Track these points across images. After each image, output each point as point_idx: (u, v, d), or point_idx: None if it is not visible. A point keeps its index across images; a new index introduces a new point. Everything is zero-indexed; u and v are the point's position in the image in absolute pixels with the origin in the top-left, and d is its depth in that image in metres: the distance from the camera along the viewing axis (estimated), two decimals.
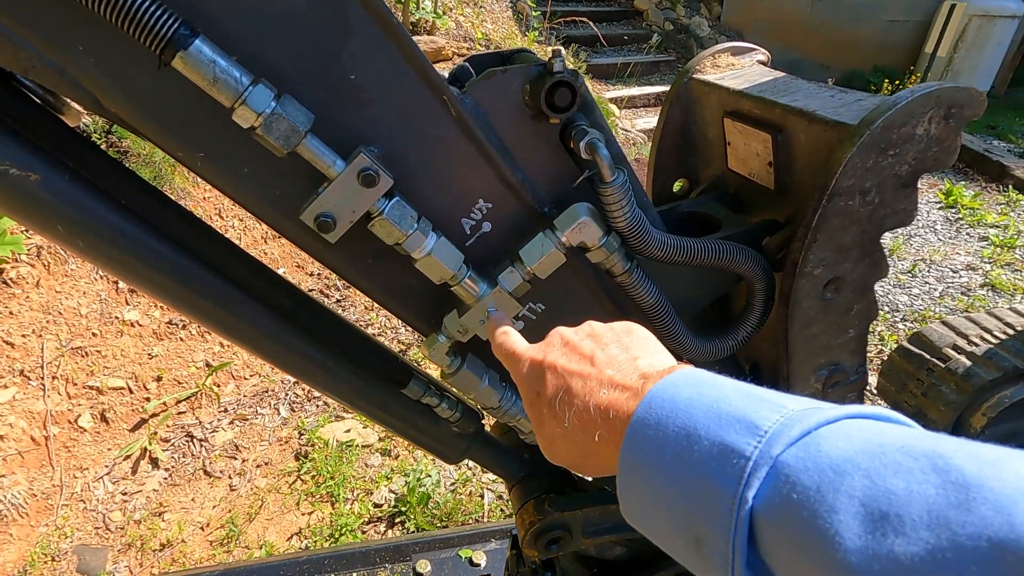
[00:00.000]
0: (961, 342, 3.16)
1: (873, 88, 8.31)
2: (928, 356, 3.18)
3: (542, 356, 0.61)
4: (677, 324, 0.91)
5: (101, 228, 0.68)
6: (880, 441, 0.36)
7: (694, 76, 1.07)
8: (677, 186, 1.25)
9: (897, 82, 8.04)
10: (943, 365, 3.07)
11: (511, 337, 0.68)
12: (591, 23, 7.77)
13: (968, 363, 3.01)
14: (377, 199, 0.67)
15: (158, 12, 0.52)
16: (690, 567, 0.46)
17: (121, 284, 3.41)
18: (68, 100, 0.70)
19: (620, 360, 0.56)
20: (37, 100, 0.69)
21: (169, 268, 0.73)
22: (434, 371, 1.04)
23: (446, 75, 0.78)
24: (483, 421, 1.10)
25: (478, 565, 1.86)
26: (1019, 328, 3.23)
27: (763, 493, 0.38)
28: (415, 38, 6.11)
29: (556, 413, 0.55)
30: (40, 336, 3.02)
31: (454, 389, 0.94)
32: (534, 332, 0.91)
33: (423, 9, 6.20)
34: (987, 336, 3.17)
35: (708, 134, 1.09)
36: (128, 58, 0.58)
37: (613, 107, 6.97)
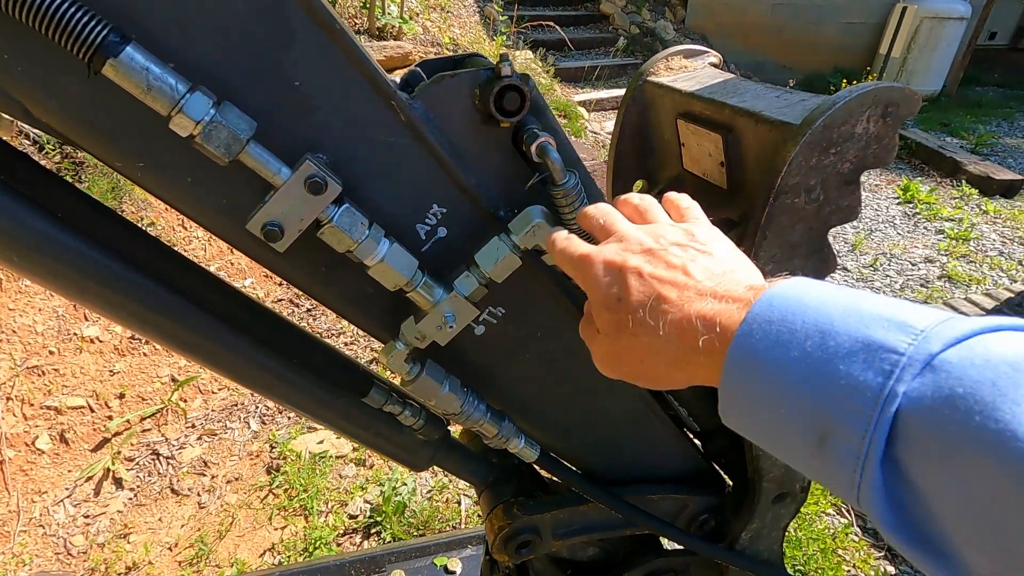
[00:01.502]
0: None
1: (833, 88, 8.56)
2: None
3: (622, 260, 0.57)
4: None
5: (36, 241, 0.65)
6: None
7: (648, 79, 1.09)
8: (637, 187, 1.26)
9: (855, 81, 8.28)
10: None
11: (574, 241, 0.66)
12: (558, 27, 7.84)
13: None
14: (326, 206, 0.66)
15: (85, 19, 0.51)
16: (803, 468, 0.44)
17: None
18: None
19: (717, 272, 0.54)
20: None
21: (113, 281, 0.71)
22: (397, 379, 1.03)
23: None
24: (449, 427, 1.10)
25: (453, 572, 1.84)
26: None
27: (917, 388, 0.36)
28: (381, 43, 6.06)
29: (644, 321, 0.53)
30: None
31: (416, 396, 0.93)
32: (497, 335, 0.91)
33: (389, 14, 6.16)
34: None
35: (664, 135, 1.10)
36: (56, 66, 0.56)
37: (582, 110, 7.04)
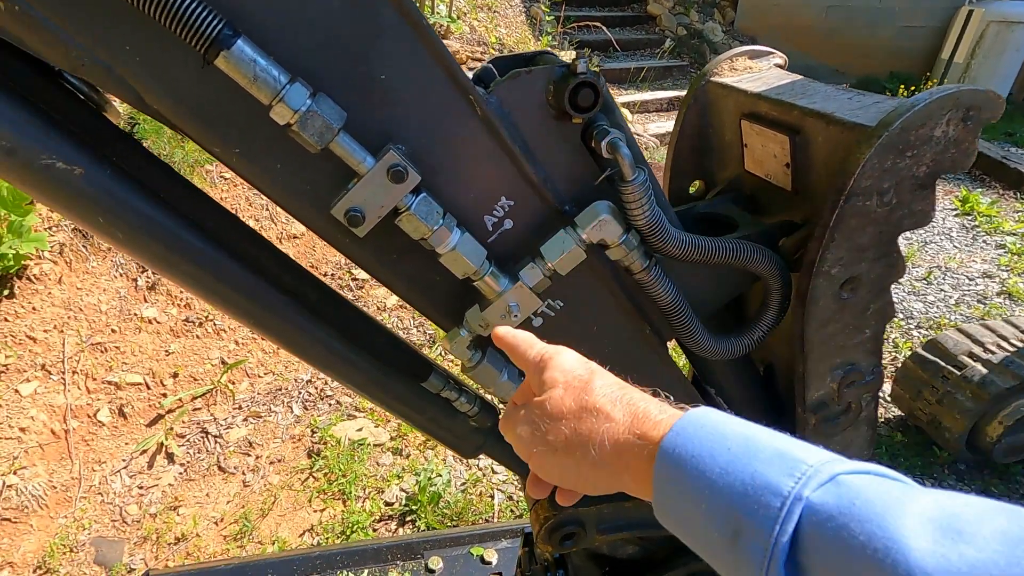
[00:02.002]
0: (977, 349, 3.14)
1: (889, 94, 8.25)
2: (943, 363, 3.16)
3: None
4: (694, 322, 0.93)
5: (139, 221, 0.71)
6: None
7: (712, 79, 1.09)
8: (693, 188, 1.26)
9: (913, 88, 7.97)
10: (959, 372, 3.06)
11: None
12: (604, 28, 7.79)
13: (984, 371, 2.99)
14: (405, 195, 0.70)
15: (204, 13, 0.55)
16: (718, 564, 0.48)
17: (140, 282, 3.47)
18: (111, 97, 0.73)
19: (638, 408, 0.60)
20: (82, 97, 0.72)
21: (201, 260, 0.76)
22: (452, 367, 1.06)
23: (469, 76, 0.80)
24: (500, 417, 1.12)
25: (489, 563, 1.87)
26: None
27: (821, 496, 0.41)
28: None
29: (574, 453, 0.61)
30: (61, 332, 3.08)
31: (473, 384, 0.96)
32: (552, 328, 0.93)
33: (438, 13, 6.25)
34: (1004, 344, 3.15)
35: (725, 136, 1.10)
36: (172, 57, 0.61)
37: (626, 111, 6.98)
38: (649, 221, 0.79)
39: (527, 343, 0.72)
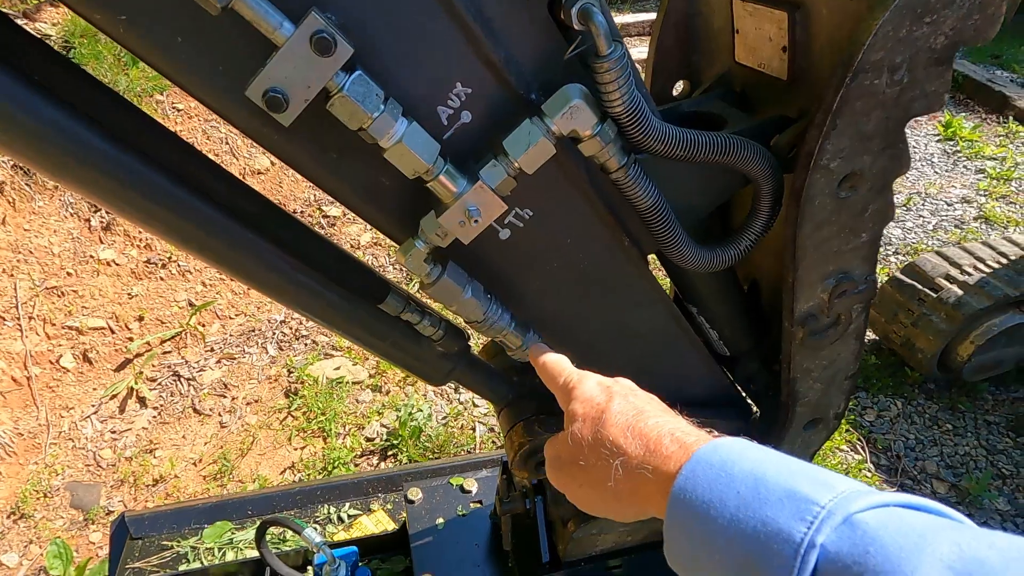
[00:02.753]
0: (954, 272, 3.15)
1: None
2: (920, 286, 3.17)
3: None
4: (677, 230, 0.84)
5: (41, 128, 0.58)
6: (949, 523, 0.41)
7: None
8: (678, 90, 1.15)
9: None
10: (935, 295, 3.07)
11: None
12: None
13: (960, 292, 3.00)
14: (335, 72, 0.58)
15: None
16: None
17: (94, 222, 3.27)
18: None
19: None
20: None
21: (115, 169, 0.64)
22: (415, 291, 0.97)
23: None
24: (470, 343, 1.05)
25: (469, 492, 1.86)
26: (1013, 257, 3.20)
27: (835, 541, 0.40)
28: None
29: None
30: (12, 276, 2.91)
31: (435, 304, 0.87)
32: (521, 241, 0.84)
33: None
34: (980, 265, 3.16)
35: (714, 23, 0.98)
36: None
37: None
38: (628, 108, 0.68)
39: (556, 368, 0.75)
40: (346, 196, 0.74)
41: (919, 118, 6.73)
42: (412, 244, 0.74)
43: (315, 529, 1.56)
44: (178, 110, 3.85)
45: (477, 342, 1.59)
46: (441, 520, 1.78)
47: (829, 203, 0.78)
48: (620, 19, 7.06)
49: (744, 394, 1.28)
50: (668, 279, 1.25)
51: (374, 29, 0.61)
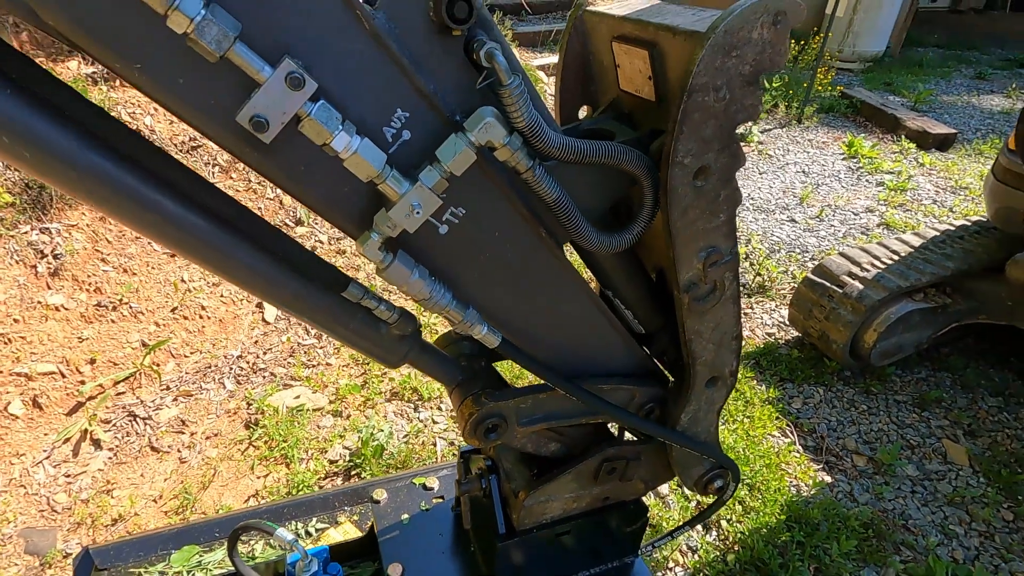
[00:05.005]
0: (855, 269, 3.56)
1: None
2: (828, 284, 3.55)
3: None
4: (579, 218, 1.06)
5: (42, 139, 0.74)
6: None
7: (587, 8, 1.21)
8: (582, 114, 1.39)
9: (803, 42, 8.54)
10: (841, 290, 3.46)
11: None
12: None
13: (861, 287, 3.40)
14: (304, 102, 0.77)
15: None
16: None
17: (40, 268, 3.27)
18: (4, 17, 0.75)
19: None
20: None
21: (116, 182, 0.80)
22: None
23: None
24: (420, 327, 1.23)
25: (431, 489, 1.99)
26: (903, 254, 3.65)
27: None
28: None
29: None
30: None
31: (390, 287, 1.05)
32: (459, 235, 1.03)
33: None
34: (876, 262, 3.58)
35: (603, 61, 1.23)
36: None
37: (541, 73, 7.08)
38: (528, 123, 0.90)
39: None
40: (313, 201, 0.93)
41: (826, 140, 7.41)
42: (368, 236, 0.93)
43: (286, 529, 1.66)
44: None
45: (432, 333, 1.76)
46: (406, 516, 1.91)
47: (689, 191, 1.02)
48: (552, 59, 7.56)
49: (660, 366, 1.51)
50: (589, 272, 1.48)
51: (332, 70, 0.82)
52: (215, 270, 0.95)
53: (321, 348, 3.64)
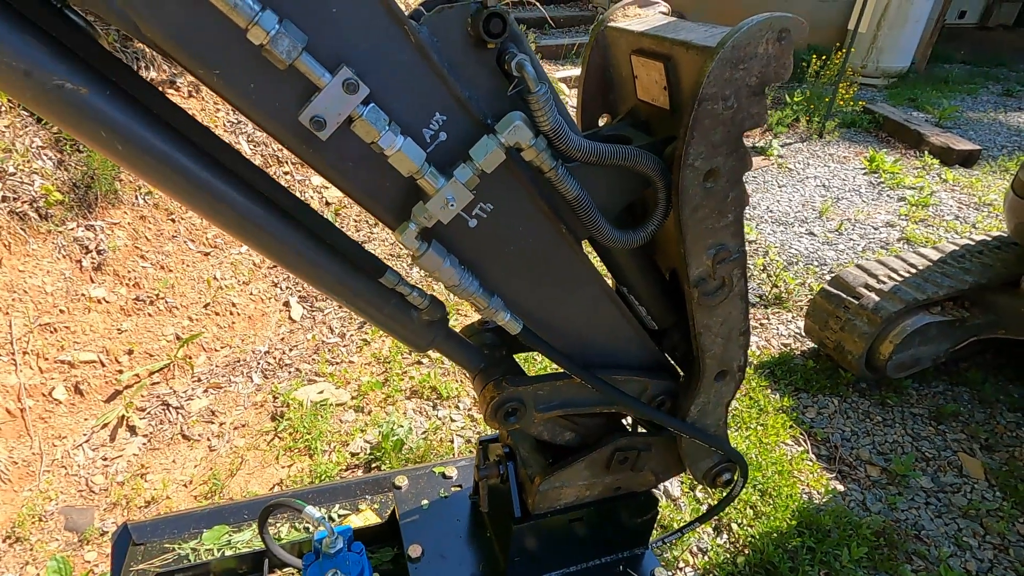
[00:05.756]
0: (872, 281, 3.58)
1: (804, 65, 8.83)
2: (845, 295, 3.58)
3: None
4: (597, 216, 1.16)
5: (136, 135, 0.86)
6: None
7: (608, 24, 1.31)
8: (602, 122, 1.49)
9: (824, 57, 8.56)
10: (857, 302, 3.48)
11: None
12: (539, 5, 7.97)
13: (877, 299, 3.42)
14: (357, 105, 0.88)
15: None
16: None
17: (85, 263, 3.45)
18: (107, 27, 0.88)
19: None
20: (82, 25, 0.87)
21: (189, 171, 0.92)
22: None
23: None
24: (448, 315, 1.33)
25: (450, 477, 2.08)
26: (920, 267, 3.67)
27: None
28: None
29: None
30: (7, 313, 3.06)
31: (422, 274, 1.16)
32: (486, 228, 1.13)
33: None
34: (893, 275, 3.60)
35: (622, 72, 1.33)
36: None
37: (563, 86, 7.22)
38: (553, 126, 1.00)
39: None
40: (358, 193, 1.04)
41: (847, 155, 7.41)
42: (407, 225, 1.03)
43: (315, 508, 1.76)
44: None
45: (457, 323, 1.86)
46: (426, 501, 2.00)
47: (699, 192, 1.11)
48: (575, 71, 7.69)
49: (671, 361, 1.59)
50: (606, 268, 1.57)
51: (382, 77, 0.93)
52: (269, 254, 1.06)
53: (344, 346, 3.77)
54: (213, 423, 3.22)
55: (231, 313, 3.82)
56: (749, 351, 1.49)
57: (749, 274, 4.68)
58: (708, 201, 1.13)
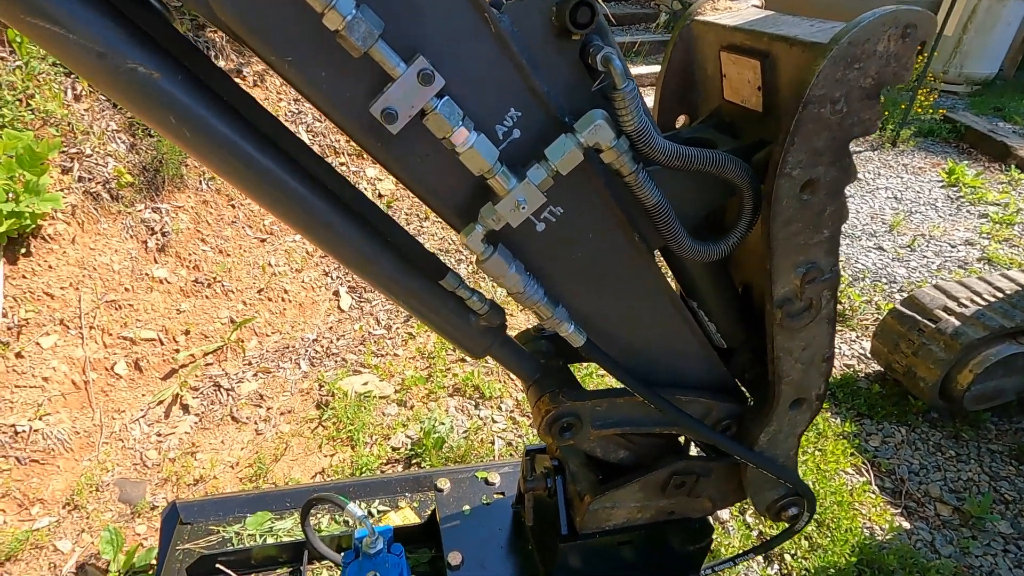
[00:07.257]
0: (951, 304, 3.32)
1: None
2: (919, 317, 3.33)
3: None
4: (676, 225, 1.06)
5: (205, 123, 0.84)
6: None
7: (695, 18, 1.21)
8: (679, 123, 1.39)
9: None
10: (933, 325, 3.23)
11: None
12: (600, 2, 7.82)
13: (957, 323, 3.16)
14: (431, 97, 0.83)
15: None
16: None
17: (150, 244, 3.58)
18: (183, 10, 0.85)
19: None
20: (158, 8, 0.84)
21: (255, 163, 0.89)
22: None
23: None
24: (506, 322, 1.26)
25: (493, 484, 2.03)
26: (1008, 292, 3.37)
27: None
28: None
29: None
30: (77, 289, 3.20)
31: (486, 278, 1.10)
32: (554, 233, 1.06)
33: None
34: (976, 299, 3.32)
35: (707, 70, 1.23)
36: None
37: None
38: (637, 127, 0.92)
39: None
40: (424, 191, 0.98)
41: (923, 166, 6.96)
42: (473, 227, 0.97)
43: (357, 505, 1.74)
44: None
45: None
46: (467, 507, 1.95)
47: (794, 203, 1.00)
48: (635, 70, 7.51)
49: (739, 384, 1.47)
50: (675, 281, 1.47)
51: (458, 68, 0.87)
52: (328, 249, 1.02)
53: (390, 339, 3.78)
54: (261, 407, 3.28)
55: (283, 300, 3.89)
56: None
57: None
58: (803, 214, 1.02)
